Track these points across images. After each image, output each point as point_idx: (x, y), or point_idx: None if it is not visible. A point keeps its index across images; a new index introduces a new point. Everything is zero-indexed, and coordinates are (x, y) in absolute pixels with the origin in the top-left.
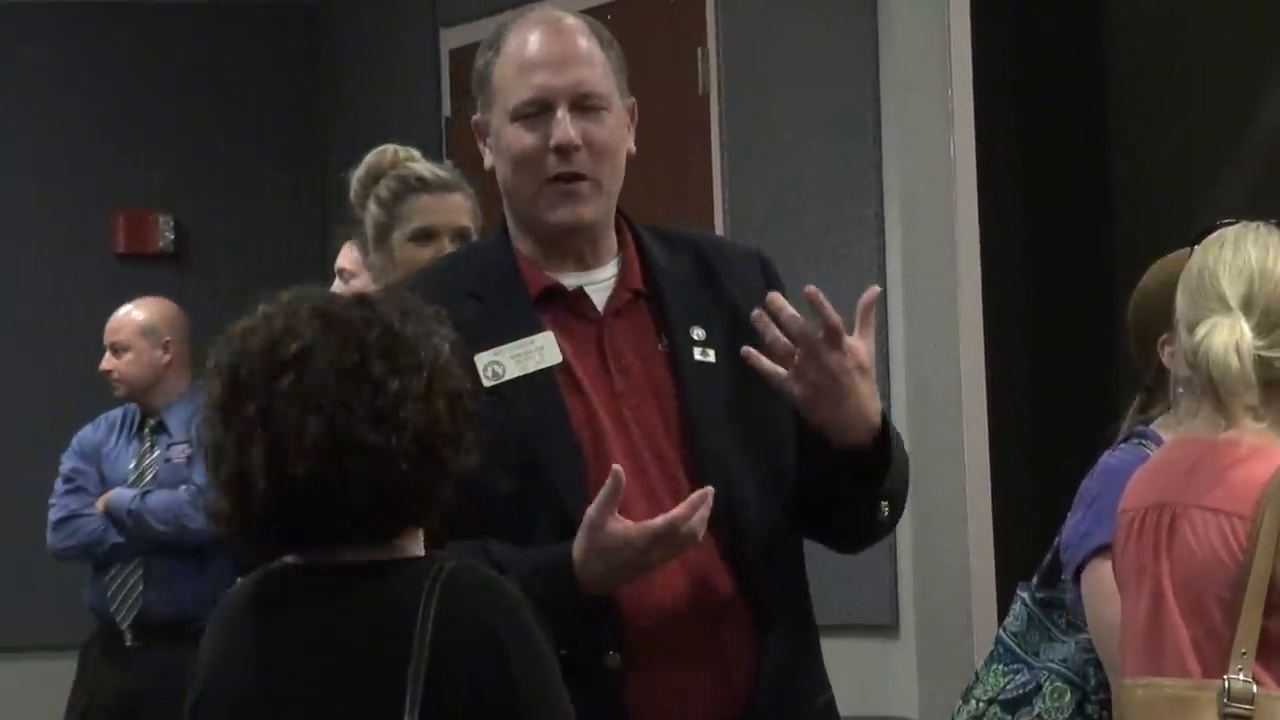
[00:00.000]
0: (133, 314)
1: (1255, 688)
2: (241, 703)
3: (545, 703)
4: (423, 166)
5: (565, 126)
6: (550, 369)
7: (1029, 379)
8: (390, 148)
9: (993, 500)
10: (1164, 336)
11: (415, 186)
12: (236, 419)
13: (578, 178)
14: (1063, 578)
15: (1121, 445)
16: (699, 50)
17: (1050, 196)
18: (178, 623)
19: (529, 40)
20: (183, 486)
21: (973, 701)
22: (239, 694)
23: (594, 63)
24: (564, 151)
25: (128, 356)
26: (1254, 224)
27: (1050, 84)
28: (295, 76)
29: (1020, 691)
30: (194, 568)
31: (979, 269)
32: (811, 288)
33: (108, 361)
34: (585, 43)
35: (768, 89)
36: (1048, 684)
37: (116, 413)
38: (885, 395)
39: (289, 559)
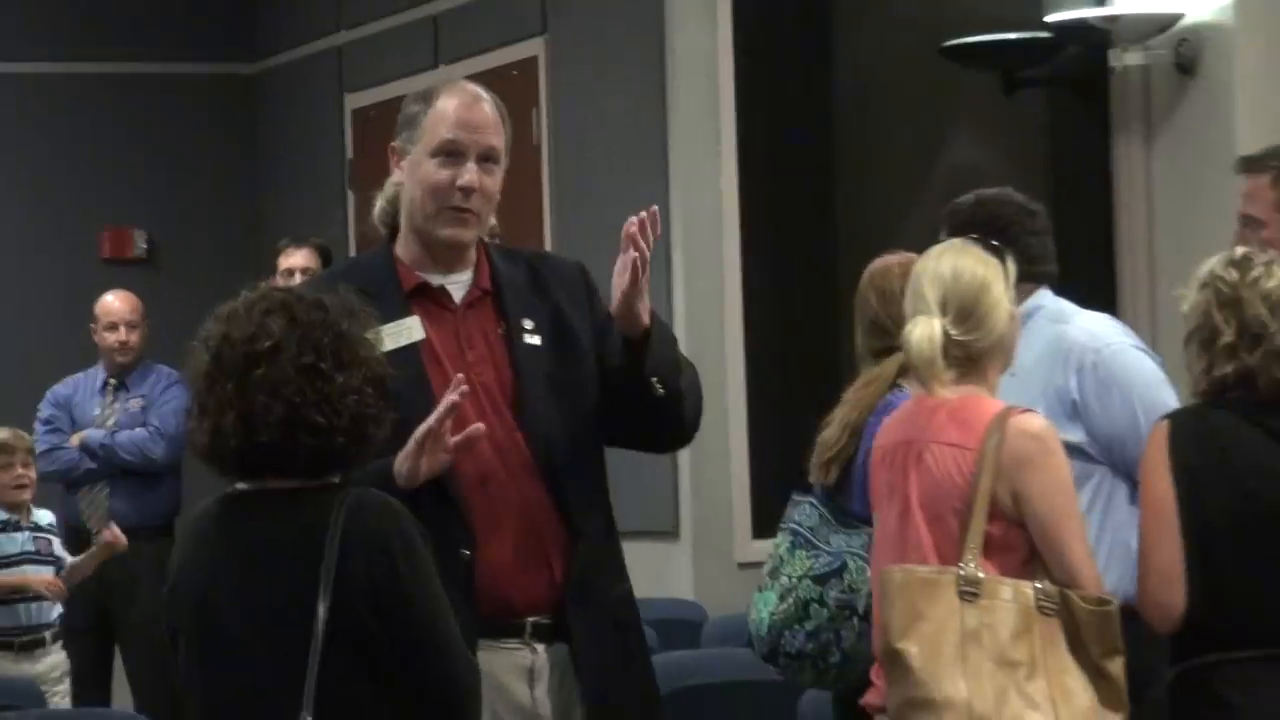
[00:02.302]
0: (135, 300)
1: (982, 574)
2: (201, 590)
3: (422, 590)
4: None
5: (473, 174)
6: (416, 344)
7: (779, 360)
8: None
9: (748, 436)
10: None
11: None
12: (219, 388)
13: (468, 211)
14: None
15: (895, 395)
16: (533, 110)
17: (792, 220)
18: (138, 528)
19: (455, 104)
20: (142, 427)
21: (783, 578)
22: (200, 584)
23: (498, 131)
24: (466, 191)
25: (138, 332)
26: (956, 240)
27: (793, 134)
28: (236, 129)
29: (828, 569)
30: (149, 486)
31: (740, 272)
32: (647, 215)
33: (124, 334)
34: (493, 115)
35: (584, 142)
36: (852, 562)
37: (79, 375)
38: None
39: (244, 486)
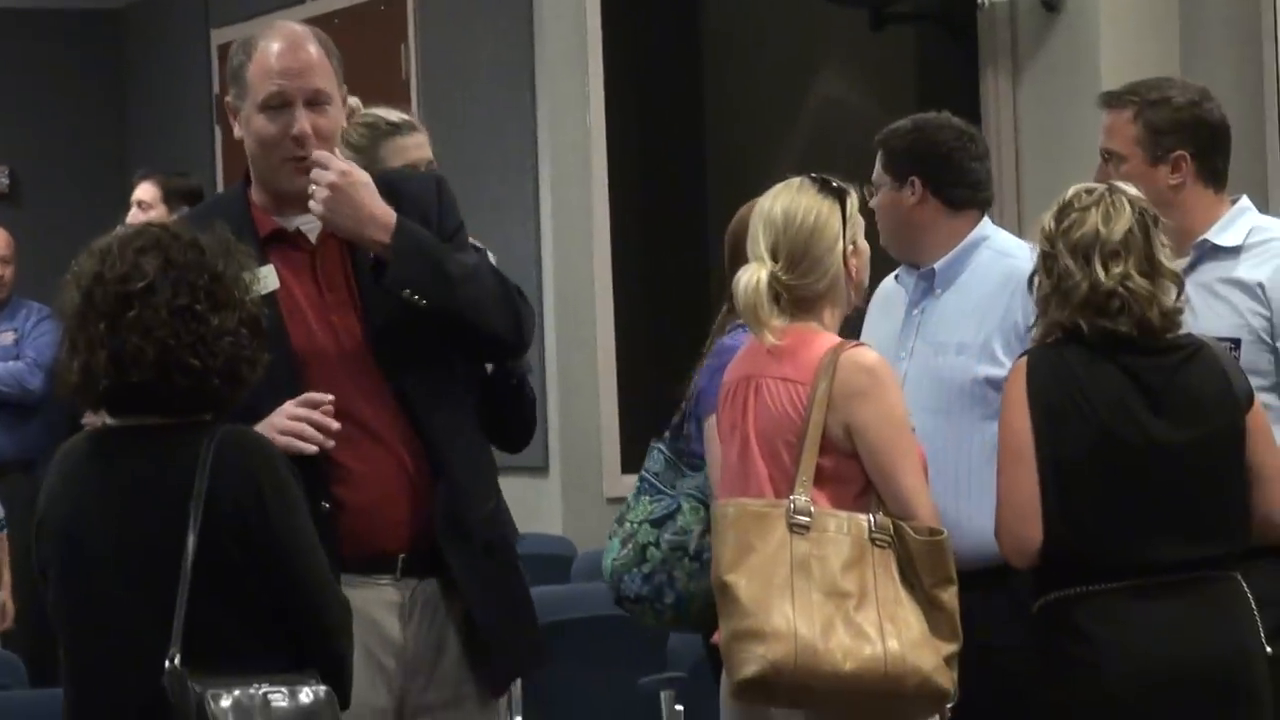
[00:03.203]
0: (7, 235)
1: (813, 506)
2: (69, 525)
3: (290, 524)
4: (385, 111)
5: (302, 122)
6: (272, 293)
7: (648, 295)
8: None
9: (616, 371)
10: None
11: (388, 130)
12: (90, 327)
13: (309, 158)
14: (686, 430)
15: (731, 332)
16: (402, 46)
17: (661, 156)
18: (14, 460)
19: (273, 50)
20: (16, 360)
21: (627, 524)
22: (68, 519)
23: (323, 70)
24: (300, 141)
25: (11, 268)
26: (798, 179)
27: (661, 71)
28: (102, 64)
29: (665, 512)
30: (24, 419)
31: (608, 207)
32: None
33: None
34: (316, 54)
35: (453, 77)
36: (685, 503)
37: None
38: (541, 309)
39: (114, 422)
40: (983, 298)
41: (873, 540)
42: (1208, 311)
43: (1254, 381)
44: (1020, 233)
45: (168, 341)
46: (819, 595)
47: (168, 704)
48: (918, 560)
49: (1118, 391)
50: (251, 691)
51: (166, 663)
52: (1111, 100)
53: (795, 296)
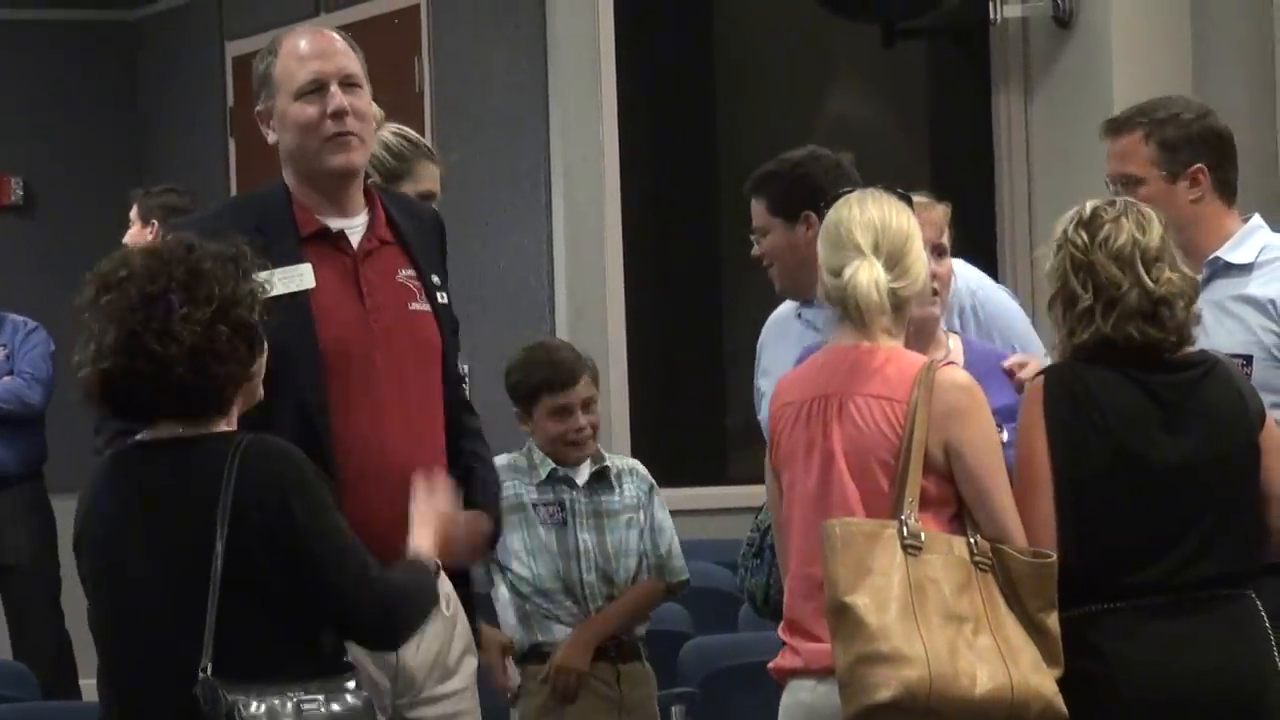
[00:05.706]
0: None
1: (921, 528)
2: (104, 539)
3: (317, 530)
4: (412, 132)
5: (339, 99)
6: (307, 291)
7: (660, 311)
8: None
9: (629, 390)
10: None
11: (424, 153)
12: (87, 323)
13: (349, 133)
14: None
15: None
16: (416, 59)
17: (673, 172)
18: (16, 474)
19: (301, 42)
20: (9, 375)
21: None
22: (103, 534)
23: (351, 55)
24: (339, 116)
25: None
26: (869, 189)
27: (672, 83)
28: (116, 76)
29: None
30: (21, 433)
31: (620, 218)
32: None
33: None
34: (343, 44)
35: (467, 89)
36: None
37: None
38: (553, 319)
39: (141, 437)
40: None
41: (975, 564)
42: (1219, 329)
43: (1265, 399)
44: (1031, 246)
45: (134, 328)
46: (939, 619)
47: (200, 714)
48: (1022, 584)
49: (1134, 409)
50: (284, 698)
51: (199, 673)
52: (1118, 126)
53: (893, 302)
